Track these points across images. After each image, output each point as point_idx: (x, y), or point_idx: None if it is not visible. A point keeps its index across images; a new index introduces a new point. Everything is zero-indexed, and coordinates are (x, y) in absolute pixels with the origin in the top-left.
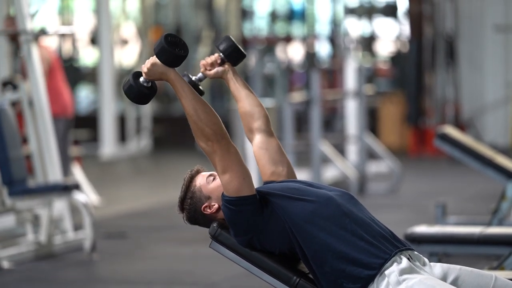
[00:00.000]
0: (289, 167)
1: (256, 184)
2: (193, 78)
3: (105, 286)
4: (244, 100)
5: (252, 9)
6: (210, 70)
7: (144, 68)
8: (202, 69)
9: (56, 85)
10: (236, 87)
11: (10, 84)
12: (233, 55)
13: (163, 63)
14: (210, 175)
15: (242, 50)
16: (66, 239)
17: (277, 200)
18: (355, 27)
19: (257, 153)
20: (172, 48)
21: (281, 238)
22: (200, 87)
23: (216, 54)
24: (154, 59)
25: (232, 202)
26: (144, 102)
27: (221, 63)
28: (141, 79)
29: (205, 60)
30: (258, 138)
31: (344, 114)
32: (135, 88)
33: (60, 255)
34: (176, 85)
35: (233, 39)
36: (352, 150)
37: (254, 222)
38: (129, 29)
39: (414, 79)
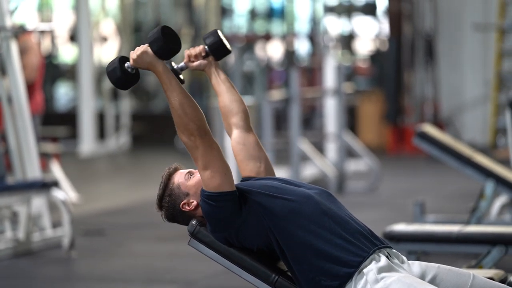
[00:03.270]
0: (267, 162)
1: (235, 179)
2: (175, 66)
3: (83, 283)
4: (224, 95)
5: (232, 7)
6: (193, 61)
7: (133, 55)
8: (185, 59)
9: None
10: (217, 81)
11: None
12: (218, 50)
13: (154, 52)
14: (188, 172)
15: (228, 46)
16: (44, 236)
17: (256, 198)
18: (335, 26)
19: (235, 148)
20: (166, 40)
21: (259, 235)
22: (181, 76)
23: (202, 46)
24: (145, 47)
25: (212, 197)
26: (125, 87)
27: (205, 56)
28: (127, 64)
29: (189, 51)
30: (236, 133)
31: (323, 112)
32: (119, 72)
33: (38, 252)
34: (163, 78)
35: (220, 34)
36: (331, 148)
37: (232, 218)
38: (108, 26)
39: (393, 78)
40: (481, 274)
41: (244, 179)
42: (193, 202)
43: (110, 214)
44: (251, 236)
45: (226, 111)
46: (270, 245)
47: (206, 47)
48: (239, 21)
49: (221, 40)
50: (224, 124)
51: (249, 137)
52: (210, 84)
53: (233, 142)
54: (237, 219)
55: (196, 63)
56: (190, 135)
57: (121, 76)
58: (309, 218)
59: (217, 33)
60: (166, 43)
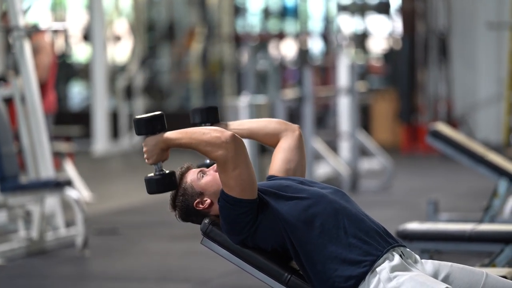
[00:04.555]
0: (297, 164)
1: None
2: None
3: (97, 282)
4: (254, 136)
5: (245, 5)
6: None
7: (145, 158)
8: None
9: (51, 80)
10: (245, 134)
11: (2, 80)
12: (210, 116)
13: (146, 133)
14: (200, 171)
15: (208, 107)
16: (58, 235)
17: (271, 198)
18: (348, 24)
19: (276, 148)
20: (141, 118)
21: (274, 235)
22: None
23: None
24: (143, 143)
25: (233, 202)
26: (169, 187)
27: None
28: (151, 174)
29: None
30: (282, 140)
31: (336, 111)
32: (152, 181)
33: (51, 252)
34: (174, 138)
35: (197, 108)
36: (345, 147)
37: (250, 222)
38: (122, 26)
39: (407, 76)
40: (494, 272)
41: (268, 178)
42: (206, 200)
43: (124, 213)
44: (266, 236)
45: (271, 142)
46: (284, 245)
47: (204, 124)
48: (253, 20)
49: (201, 109)
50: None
51: (292, 139)
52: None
53: (278, 144)
54: (253, 223)
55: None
56: (220, 145)
57: (156, 182)
58: (323, 217)
59: (197, 108)
60: (144, 118)
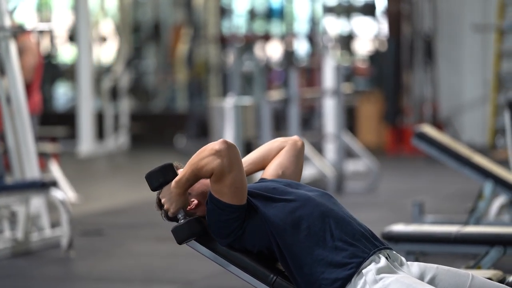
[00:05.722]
0: (291, 173)
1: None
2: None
3: (82, 283)
4: (261, 167)
5: (231, 7)
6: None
7: (167, 209)
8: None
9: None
10: (252, 169)
11: None
12: (163, 179)
13: (160, 186)
14: None
15: (155, 169)
16: (43, 236)
17: (257, 200)
18: (334, 26)
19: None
20: (151, 171)
21: (260, 238)
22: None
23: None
24: (160, 196)
25: (223, 207)
26: (197, 233)
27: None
28: (179, 217)
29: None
30: (283, 149)
31: (322, 112)
32: (183, 228)
33: (37, 252)
34: (184, 176)
35: (147, 175)
36: (330, 149)
37: (237, 226)
38: (107, 26)
39: (392, 78)
40: (480, 274)
41: (258, 181)
42: (194, 201)
43: (109, 214)
44: (253, 239)
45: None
46: (270, 247)
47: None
48: (238, 21)
49: (150, 173)
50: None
51: (289, 148)
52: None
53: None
54: (241, 227)
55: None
56: (213, 157)
57: (186, 229)
58: (309, 220)
59: (146, 176)
60: (154, 170)
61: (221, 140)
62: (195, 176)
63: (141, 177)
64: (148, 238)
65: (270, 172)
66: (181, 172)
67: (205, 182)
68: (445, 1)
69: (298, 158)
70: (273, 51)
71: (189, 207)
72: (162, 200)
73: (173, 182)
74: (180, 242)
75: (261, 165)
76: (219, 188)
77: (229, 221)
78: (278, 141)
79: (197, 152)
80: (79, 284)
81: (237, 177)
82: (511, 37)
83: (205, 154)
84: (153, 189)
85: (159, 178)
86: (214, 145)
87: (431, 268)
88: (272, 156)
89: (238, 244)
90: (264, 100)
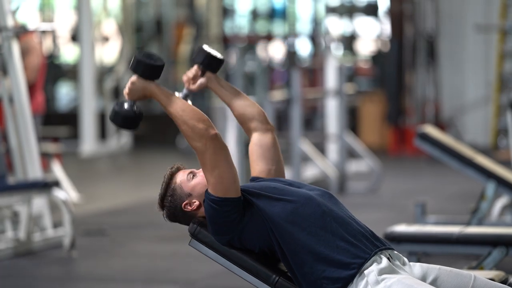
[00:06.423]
0: (278, 165)
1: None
2: (178, 95)
3: (84, 283)
4: (234, 104)
5: (233, 7)
6: (193, 83)
7: (126, 90)
8: (186, 85)
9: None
10: (223, 93)
11: None
12: (211, 64)
13: (141, 76)
14: (190, 172)
15: (218, 56)
16: (45, 236)
17: (258, 199)
18: (336, 26)
19: (251, 149)
20: (147, 60)
21: (261, 237)
22: (189, 102)
23: (195, 67)
24: (133, 77)
25: (217, 202)
26: (132, 126)
27: (202, 74)
28: (125, 105)
29: (186, 75)
30: (255, 135)
31: (324, 113)
32: (121, 113)
33: (39, 252)
34: (159, 96)
35: (206, 48)
36: (332, 149)
37: (236, 222)
38: (110, 26)
39: (395, 78)
40: (482, 275)
41: (251, 179)
42: (195, 202)
43: (111, 214)
44: (253, 238)
45: (241, 120)
46: (272, 246)
47: (199, 65)
48: (241, 21)
49: (209, 53)
50: (244, 130)
51: (266, 138)
52: (218, 98)
53: (251, 144)
54: (239, 223)
55: (197, 85)
56: (200, 137)
57: (124, 116)
58: (310, 219)
59: (203, 48)
60: (148, 62)
61: (214, 133)
62: (170, 116)
63: (143, 177)
64: (150, 238)
65: (260, 169)
66: (164, 93)
67: (206, 184)
68: (447, 2)
69: (278, 148)
70: (276, 51)
71: (190, 208)
72: (130, 85)
73: (152, 88)
74: (112, 120)
75: (233, 104)
76: (207, 176)
77: (225, 216)
78: (256, 108)
79: (191, 110)
80: (81, 284)
81: (224, 172)
82: None
83: (194, 127)
84: (133, 71)
85: (144, 71)
86: (207, 130)
87: (434, 269)
88: (244, 112)
89: (238, 243)
90: (267, 100)
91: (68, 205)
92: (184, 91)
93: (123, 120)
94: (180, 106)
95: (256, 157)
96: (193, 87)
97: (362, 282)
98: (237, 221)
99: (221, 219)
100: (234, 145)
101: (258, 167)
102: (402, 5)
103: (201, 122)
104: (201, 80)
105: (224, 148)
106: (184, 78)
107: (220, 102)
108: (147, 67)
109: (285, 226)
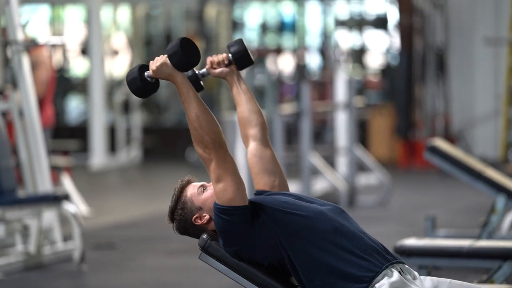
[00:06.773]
0: (281, 177)
1: (248, 192)
2: (197, 72)
3: None
4: (243, 105)
5: (243, 20)
6: (215, 68)
7: (153, 66)
8: (208, 66)
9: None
10: (238, 91)
11: (0, 94)
12: (242, 59)
13: (173, 65)
14: (201, 185)
15: (252, 57)
16: (55, 249)
17: (269, 213)
18: (346, 39)
19: (250, 160)
20: (185, 53)
21: (271, 250)
22: (201, 83)
23: (225, 54)
24: (165, 58)
25: (224, 211)
26: (144, 96)
27: (227, 65)
28: (146, 73)
29: (212, 57)
30: (253, 145)
31: (334, 126)
32: (139, 82)
33: (49, 266)
34: (182, 89)
35: (245, 43)
36: (342, 162)
37: (244, 233)
38: (119, 40)
39: (404, 92)
40: None
41: (258, 193)
42: (205, 216)
43: (121, 228)
44: (263, 251)
45: (244, 122)
46: (282, 260)
47: (230, 55)
48: (250, 35)
49: (246, 49)
50: (241, 134)
51: (266, 150)
52: (231, 94)
53: (250, 154)
54: (249, 234)
55: (218, 70)
56: (205, 147)
57: (140, 85)
58: (322, 234)
59: (242, 42)
60: (186, 56)
61: (224, 150)
62: (184, 107)
63: (153, 190)
64: (160, 252)
65: (264, 182)
66: (186, 85)
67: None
68: (457, 15)
69: (277, 160)
70: (285, 64)
71: (200, 221)
72: (158, 64)
73: (178, 77)
74: (128, 84)
75: (240, 102)
76: (214, 185)
77: (235, 225)
78: (258, 115)
79: (208, 114)
80: None
81: (229, 184)
82: None
83: (205, 133)
84: (168, 55)
85: (178, 60)
86: (216, 143)
87: (444, 283)
88: (247, 116)
89: (247, 255)
90: (276, 113)
91: (78, 219)
92: (204, 70)
93: (138, 88)
94: (197, 111)
95: (258, 170)
96: (215, 71)
97: None
98: (245, 230)
99: (229, 228)
100: (243, 158)
101: (262, 181)
102: (411, 18)
103: (209, 135)
104: (223, 69)
105: (228, 161)
106: (210, 59)
107: (230, 115)
108: (183, 60)
109: (296, 240)
